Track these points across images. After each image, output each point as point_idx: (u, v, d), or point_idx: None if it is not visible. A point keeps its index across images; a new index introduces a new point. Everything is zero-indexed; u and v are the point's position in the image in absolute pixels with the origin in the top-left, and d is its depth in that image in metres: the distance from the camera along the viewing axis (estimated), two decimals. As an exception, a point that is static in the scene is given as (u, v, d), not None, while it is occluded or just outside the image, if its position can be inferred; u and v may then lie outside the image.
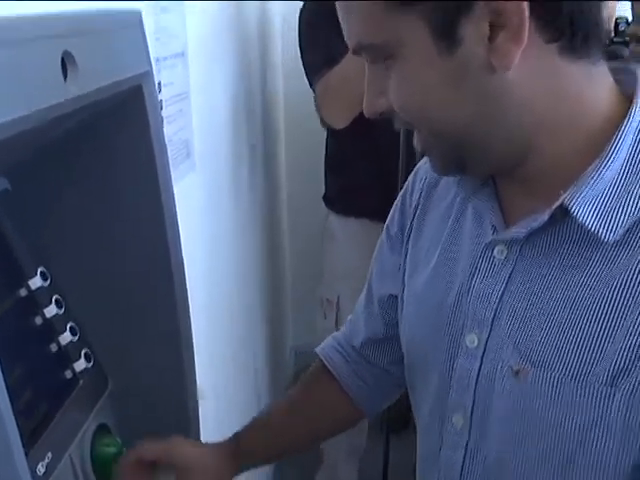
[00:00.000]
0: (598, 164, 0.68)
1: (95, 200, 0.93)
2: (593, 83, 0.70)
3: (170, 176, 0.95)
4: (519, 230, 0.74)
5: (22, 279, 0.90)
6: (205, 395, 1.16)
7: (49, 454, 0.82)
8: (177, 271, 1.00)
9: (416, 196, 0.92)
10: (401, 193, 0.96)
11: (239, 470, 1.04)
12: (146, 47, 0.86)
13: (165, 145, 0.90)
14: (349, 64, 1.90)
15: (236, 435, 1.06)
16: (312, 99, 2.01)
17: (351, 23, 0.71)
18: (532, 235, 0.73)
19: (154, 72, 1.12)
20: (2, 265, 0.88)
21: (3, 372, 0.60)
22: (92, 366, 0.98)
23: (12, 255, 0.90)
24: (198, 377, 1.06)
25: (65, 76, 0.66)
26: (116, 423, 1.01)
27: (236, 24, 2.04)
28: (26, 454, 0.65)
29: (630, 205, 0.68)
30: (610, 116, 0.70)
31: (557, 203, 0.69)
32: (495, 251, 0.76)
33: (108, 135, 0.86)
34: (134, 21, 0.85)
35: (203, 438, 1.09)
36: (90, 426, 0.95)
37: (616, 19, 1.94)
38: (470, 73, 0.67)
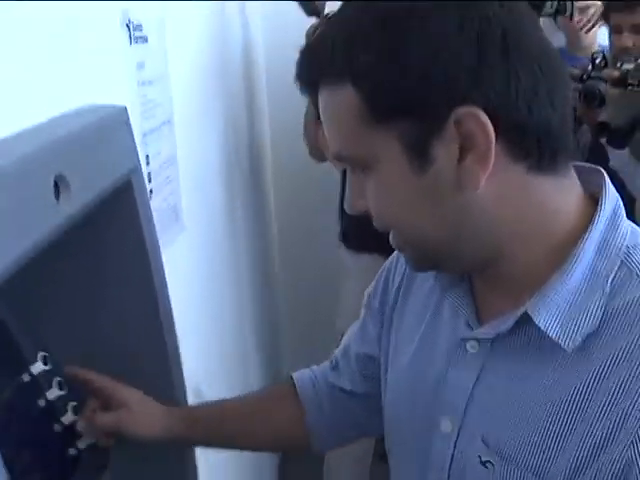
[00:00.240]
0: (560, 274, 0.72)
1: (88, 284, 0.97)
2: (560, 194, 0.74)
3: (160, 256, 1.00)
4: (488, 331, 0.78)
5: (24, 365, 0.94)
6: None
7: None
8: (170, 341, 1.05)
9: (399, 278, 0.96)
10: (386, 267, 1.00)
11: (171, 434, 1.06)
12: (133, 143, 0.91)
13: (155, 233, 0.94)
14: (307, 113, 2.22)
15: (186, 407, 1.10)
16: (298, 147, 2.09)
17: (331, 133, 0.75)
18: (501, 335, 0.77)
19: (142, 145, 1.18)
20: (5, 352, 0.93)
21: (4, 455, 0.62)
22: (95, 442, 1.02)
23: (13, 342, 0.94)
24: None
25: (57, 197, 0.70)
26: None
27: (221, 82, 2.08)
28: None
29: (589, 314, 0.71)
30: (576, 224, 0.74)
31: (521, 310, 0.73)
32: (468, 345, 0.80)
33: (99, 226, 0.90)
34: (121, 119, 0.89)
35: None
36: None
37: (593, 54, 1.98)
38: (441, 190, 0.71)
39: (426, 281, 0.90)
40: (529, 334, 0.74)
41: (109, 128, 0.85)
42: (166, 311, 1.03)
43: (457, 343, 0.82)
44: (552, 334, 0.72)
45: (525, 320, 0.73)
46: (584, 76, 1.90)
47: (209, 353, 1.81)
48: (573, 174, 0.76)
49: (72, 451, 0.99)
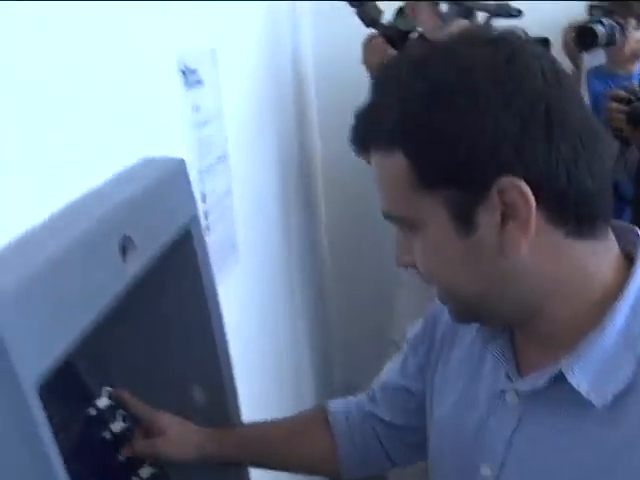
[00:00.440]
0: (595, 334, 0.75)
1: (149, 324, 1.03)
2: (597, 256, 0.77)
3: (217, 295, 1.05)
4: (525, 385, 0.82)
5: (91, 399, 1.01)
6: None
7: None
8: (226, 374, 1.10)
9: (444, 325, 1.00)
10: (432, 312, 1.04)
11: (204, 455, 1.13)
12: (191, 194, 0.96)
13: (212, 275, 0.99)
14: None
15: (221, 429, 1.15)
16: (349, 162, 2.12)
17: (382, 193, 0.80)
18: (537, 389, 0.80)
19: (198, 183, 1.23)
20: (73, 388, 0.99)
21: None
22: (157, 470, 1.08)
23: (81, 379, 1.01)
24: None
25: (124, 258, 0.75)
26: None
27: (273, 105, 2.14)
28: None
29: (622, 373, 0.74)
30: (612, 284, 0.77)
31: (556, 368, 0.77)
32: (507, 396, 0.84)
33: (160, 273, 0.94)
34: (179, 171, 0.95)
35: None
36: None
37: None
38: (485, 253, 0.75)
39: (470, 330, 0.94)
40: (564, 390, 0.77)
41: (169, 182, 0.91)
42: (222, 347, 1.08)
43: (497, 393, 0.86)
44: (584, 392, 0.75)
45: (560, 377, 0.77)
46: (630, 98, 1.91)
47: (264, 370, 1.88)
48: (610, 236, 0.79)
49: (135, 480, 1.06)
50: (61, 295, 0.64)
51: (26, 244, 0.67)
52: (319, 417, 1.18)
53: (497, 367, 0.87)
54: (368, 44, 2.33)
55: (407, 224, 0.79)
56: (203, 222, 1.20)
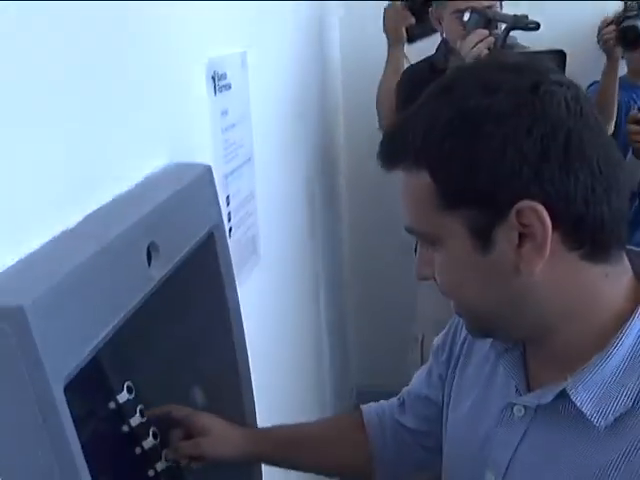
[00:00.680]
0: (601, 356, 0.78)
1: (170, 322, 1.06)
2: (610, 280, 0.80)
3: (237, 297, 1.08)
4: (532, 400, 0.85)
5: (111, 394, 1.04)
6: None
7: None
8: (243, 371, 1.13)
9: (465, 333, 1.03)
10: (454, 322, 1.07)
11: (245, 455, 1.16)
12: (217, 201, 0.99)
13: (234, 282, 1.02)
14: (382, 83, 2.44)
15: (262, 430, 1.20)
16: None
17: (405, 208, 0.83)
18: (542, 405, 0.83)
19: (223, 187, 1.26)
20: (95, 382, 1.02)
21: (95, 478, 0.71)
22: (171, 465, 1.11)
23: (104, 374, 1.04)
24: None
25: (149, 263, 0.78)
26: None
27: (299, 108, 2.16)
28: None
29: (624, 395, 0.77)
30: (623, 308, 0.80)
31: (562, 386, 0.80)
32: (515, 409, 0.87)
33: (183, 275, 0.97)
34: (206, 179, 0.98)
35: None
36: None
37: None
38: (500, 271, 0.78)
39: (486, 341, 0.96)
40: (567, 408, 0.80)
41: (195, 189, 0.93)
42: (241, 345, 1.11)
43: (507, 405, 0.89)
44: (586, 411, 0.78)
45: (564, 395, 0.80)
46: None
47: (283, 367, 1.91)
48: (624, 261, 0.81)
49: (151, 473, 1.09)
50: (88, 299, 0.67)
51: (58, 247, 0.71)
52: (354, 419, 1.22)
53: (509, 380, 0.90)
54: (389, 10, 2.49)
55: (428, 239, 0.83)
56: (226, 224, 1.23)
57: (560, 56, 1.75)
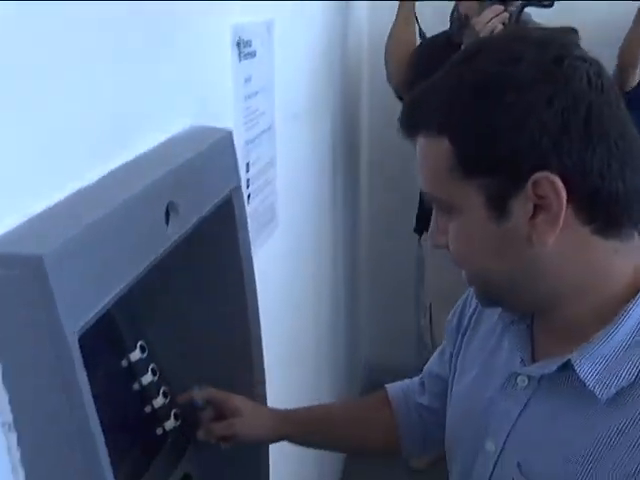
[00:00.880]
0: (607, 330, 0.79)
1: (185, 286, 1.07)
2: (620, 256, 0.80)
3: (252, 263, 1.09)
4: (536, 370, 0.86)
5: (124, 352, 1.06)
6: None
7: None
8: (254, 333, 1.14)
9: (475, 303, 1.03)
10: (463, 297, 1.08)
11: (277, 435, 1.19)
12: (236, 165, 1.00)
13: (249, 248, 1.03)
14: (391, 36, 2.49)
15: (293, 411, 1.22)
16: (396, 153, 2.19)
17: (424, 174, 0.84)
18: (546, 375, 0.84)
19: (243, 153, 1.27)
20: (108, 340, 1.04)
21: (105, 432, 0.73)
22: (180, 424, 1.13)
23: (117, 331, 1.05)
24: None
25: (167, 222, 0.79)
26: (199, 472, 1.16)
27: (323, 80, 2.16)
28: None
29: (627, 369, 0.78)
30: (631, 284, 0.80)
31: (566, 357, 0.80)
32: (519, 379, 0.88)
33: (199, 237, 0.98)
34: (226, 143, 0.98)
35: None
36: (176, 476, 1.11)
37: None
38: (513, 241, 0.79)
39: (494, 312, 0.97)
40: (570, 379, 0.81)
41: (216, 152, 0.94)
42: (254, 312, 1.12)
43: (510, 375, 0.90)
44: (589, 384, 0.79)
45: (568, 366, 0.80)
46: None
47: (298, 336, 1.93)
48: (635, 239, 0.81)
49: (159, 431, 1.10)
50: (105, 253, 0.68)
51: (79, 201, 0.72)
52: (380, 397, 1.24)
53: (513, 352, 0.91)
54: None
55: (444, 206, 0.83)
56: (245, 191, 1.24)
57: (573, 34, 1.73)
